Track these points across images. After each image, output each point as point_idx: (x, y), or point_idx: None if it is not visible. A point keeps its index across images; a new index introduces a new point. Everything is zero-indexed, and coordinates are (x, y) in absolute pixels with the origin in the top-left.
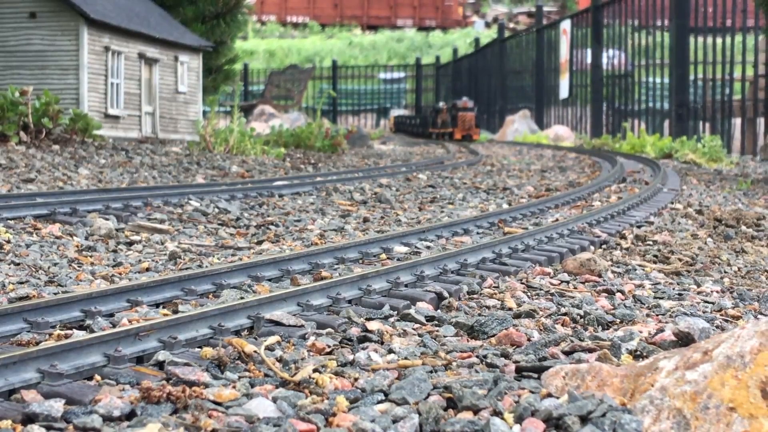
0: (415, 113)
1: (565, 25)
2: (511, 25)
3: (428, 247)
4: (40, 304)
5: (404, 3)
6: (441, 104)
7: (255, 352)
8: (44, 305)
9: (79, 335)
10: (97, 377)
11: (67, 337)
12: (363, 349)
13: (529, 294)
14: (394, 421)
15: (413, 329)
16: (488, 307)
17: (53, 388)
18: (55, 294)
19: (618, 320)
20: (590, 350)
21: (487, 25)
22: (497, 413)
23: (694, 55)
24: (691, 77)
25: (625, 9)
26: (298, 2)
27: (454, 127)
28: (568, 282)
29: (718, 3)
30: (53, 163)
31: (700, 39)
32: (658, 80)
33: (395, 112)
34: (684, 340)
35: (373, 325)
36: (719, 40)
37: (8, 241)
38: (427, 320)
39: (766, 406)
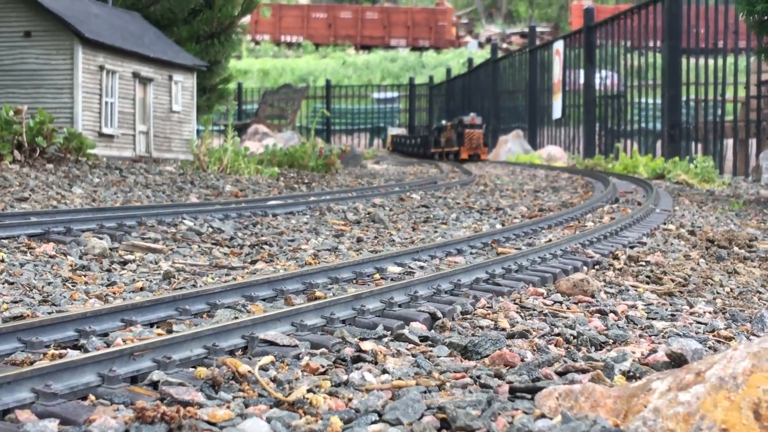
0: (415, 132)
1: (558, 45)
2: (505, 46)
3: (422, 268)
4: (35, 323)
5: (398, 23)
6: (444, 122)
7: (249, 372)
8: (38, 325)
9: (73, 355)
10: (92, 397)
11: (61, 356)
12: (357, 369)
13: (522, 314)
14: None
15: (407, 349)
16: (482, 328)
17: (47, 408)
18: (49, 313)
19: (611, 341)
20: (583, 371)
21: (481, 45)
22: None
23: (686, 76)
24: (684, 98)
25: (618, 30)
26: (292, 22)
27: (460, 145)
28: (561, 302)
29: (710, 24)
30: (47, 182)
31: (693, 60)
32: (650, 101)
33: (392, 131)
34: (677, 361)
35: (366, 345)
36: (711, 62)
37: (2, 261)
38: (420, 340)
39: (759, 427)
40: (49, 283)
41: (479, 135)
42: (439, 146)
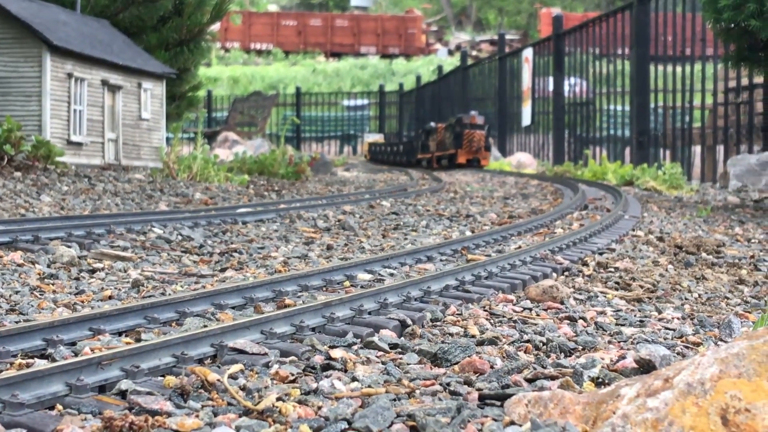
0: (396, 138)
1: (528, 53)
2: (474, 53)
3: (392, 275)
4: (1, 332)
5: (368, 30)
6: (433, 124)
7: (218, 380)
8: (5, 334)
9: (40, 364)
10: (59, 407)
11: (28, 366)
12: (326, 377)
13: (492, 321)
14: None
15: (377, 357)
16: (451, 335)
17: (14, 418)
18: (16, 322)
19: (580, 347)
20: (553, 377)
21: (450, 52)
22: None
23: (654, 83)
24: (652, 105)
25: (586, 38)
26: (261, 29)
27: (457, 148)
28: (530, 309)
29: (677, 32)
30: (15, 190)
31: (660, 67)
32: (619, 108)
33: (369, 138)
34: (645, 367)
35: (336, 353)
36: (679, 69)
37: None
38: (390, 348)
39: None
40: (17, 292)
41: (481, 137)
42: (428, 151)
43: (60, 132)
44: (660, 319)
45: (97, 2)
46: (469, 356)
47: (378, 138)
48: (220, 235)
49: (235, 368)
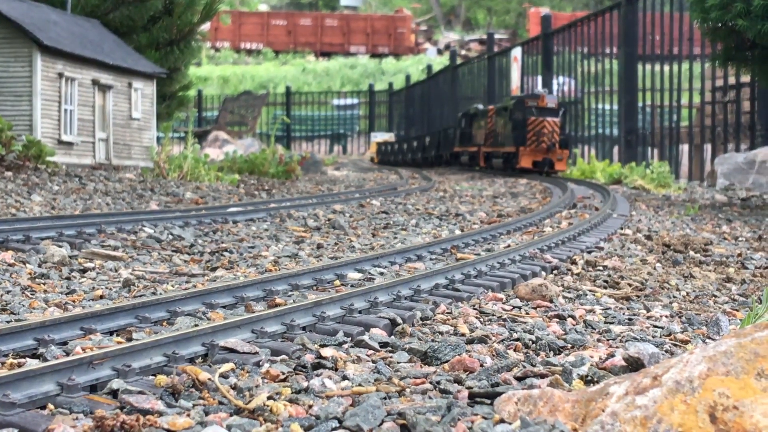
0: (413, 135)
1: (516, 52)
2: (463, 52)
3: (382, 274)
4: None
5: (357, 30)
6: (480, 106)
7: (209, 379)
8: None
9: (32, 364)
10: (51, 406)
11: (20, 365)
12: (317, 375)
13: (481, 319)
14: None
15: (367, 355)
16: (441, 333)
17: (6, 417)
18: (7, 322)
19: (569, 345)
20: (542, 376)
21: (440, 52)
22: None
23: (642, 82)
24: (640, 104)
25: (575, 37)
26: (251, 29)
27: (518, 144)
28: (520, 307)
29: (665, 31)
30: (6, 189)
31: (648, 66)
32: (607, 107)
33: (377, 137)
34: (634, 365)
35: (327, 352)
36: (667, 68)
37: None
38: (380, 346)
39: (715, 430)
40: (8, 292)
41: (554, 127)
42: (471, 142)
43: (51, 132)
44: (648, 317)
45: (87, 2)
46: (458, 355)
47: (388, 137)
48: (211, 234)
49: (226, 367)
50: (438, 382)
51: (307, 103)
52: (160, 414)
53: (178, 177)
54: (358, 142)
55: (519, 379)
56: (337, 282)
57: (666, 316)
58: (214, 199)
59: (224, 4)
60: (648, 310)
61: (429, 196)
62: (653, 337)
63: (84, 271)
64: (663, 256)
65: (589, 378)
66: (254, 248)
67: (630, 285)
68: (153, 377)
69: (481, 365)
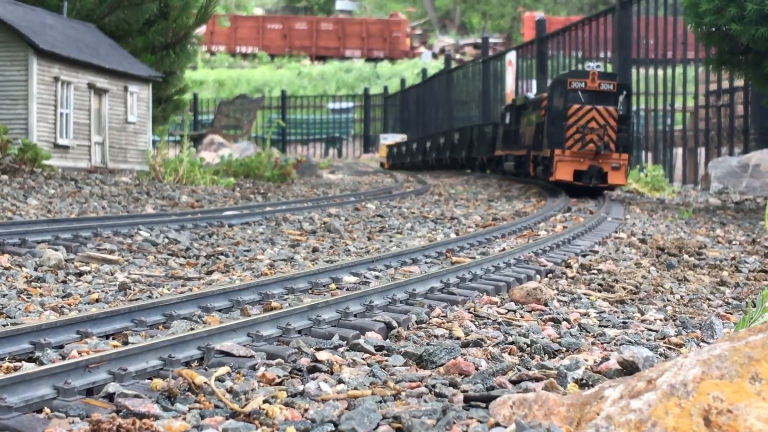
0: (432, 133)
1: (511, 56)
2: (458, 56)
3: (377, 277)
4: None
5: (353, 34)
6: (530, 94)
7: (205, 383)
8: None
9: (28, 367)
10: (47, 410)
11: (16, 369)
12: (313, 379)
13: (476, 323)
14: None
15: (362, 359)
16: (437, 337)
17: (2, 421)
18: (3, 326)
19: (564, 349)
20: (537, 379)
21: (435, 56)
22: None
23: (636, 86)
24: (634, 108)
25: (569, 41)
26: (247, 33)
27: (555, 146)
28: (514, 311)
29: (659, 35)
30: (2, 193)
31: (642, 70)
32: None
33: (387, 140)
34: (629, 368)
35: (322, 356)
36: (661, 72)
37: None
38: (376, 350)
39: None
40: (4, 295)
41: (607, 120)
42: (519, 143)
43: (46, 135)
44: (643, 321)
45: (83, 6)
46: (454, 358)
47: (399, 138)
48: (207, 237)
49: (222, 371)
50: (433, 386)
51: (303, 107)
52: (156, 418)
53: (174, 180)
54: (353, 145)
55: (514, 382)
56: (333, 285)
57: (660, 320)
58: (209, 202)
59: (220, 8)
60: (642, 314)
61: (424, 200)
62: (648, 340)
63: (80, 274)
64: (657, 260)
65: (584, 381)
66: (250, 251)
67: (624, 288)
68: (149, 381)
69: (476, 369)
